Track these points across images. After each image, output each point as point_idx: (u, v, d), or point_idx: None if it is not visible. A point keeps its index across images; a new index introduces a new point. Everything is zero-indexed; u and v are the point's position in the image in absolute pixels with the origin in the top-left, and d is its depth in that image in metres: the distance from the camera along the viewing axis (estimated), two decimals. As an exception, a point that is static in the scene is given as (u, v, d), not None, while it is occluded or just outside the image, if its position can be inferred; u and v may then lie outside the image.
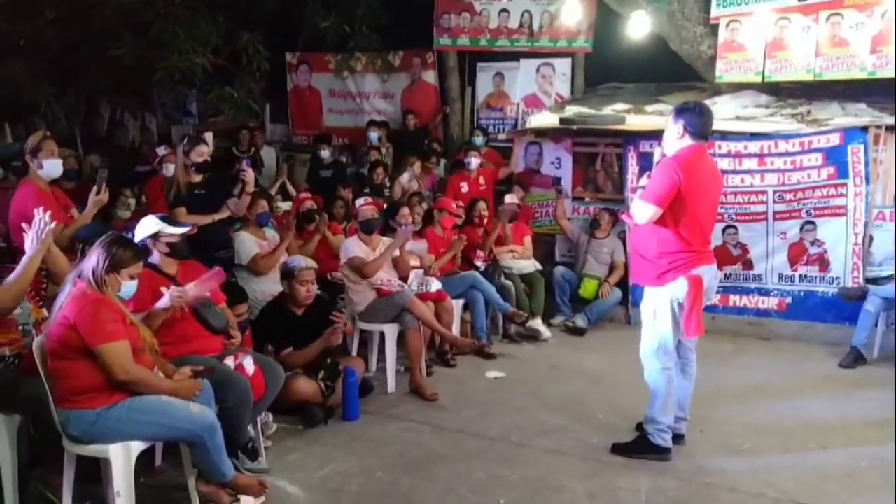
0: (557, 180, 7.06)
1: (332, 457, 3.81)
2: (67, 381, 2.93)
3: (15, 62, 6.76)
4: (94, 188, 4.11)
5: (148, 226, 3.67)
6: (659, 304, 3.68)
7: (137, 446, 3.00)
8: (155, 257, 3.63)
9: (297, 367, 4.24)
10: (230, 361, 3.52)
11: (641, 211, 3.62)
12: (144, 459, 3.29)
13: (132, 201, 6.51)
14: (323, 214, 5.64)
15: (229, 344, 3.74)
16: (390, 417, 4.37)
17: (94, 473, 3.20)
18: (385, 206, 5.91)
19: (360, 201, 5.24)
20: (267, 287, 4.82)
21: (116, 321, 2.95)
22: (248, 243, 4.95)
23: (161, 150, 6.31)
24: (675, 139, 3.65)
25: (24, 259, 3.09)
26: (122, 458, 2.94)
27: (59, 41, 6.97)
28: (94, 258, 3.02)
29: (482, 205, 6.46)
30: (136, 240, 3.58)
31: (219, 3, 7.44)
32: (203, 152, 4.64)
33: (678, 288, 3.60)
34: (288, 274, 4.38)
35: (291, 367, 4.17)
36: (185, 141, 4.73)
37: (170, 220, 3.82)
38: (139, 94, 9.06)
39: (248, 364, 3.57)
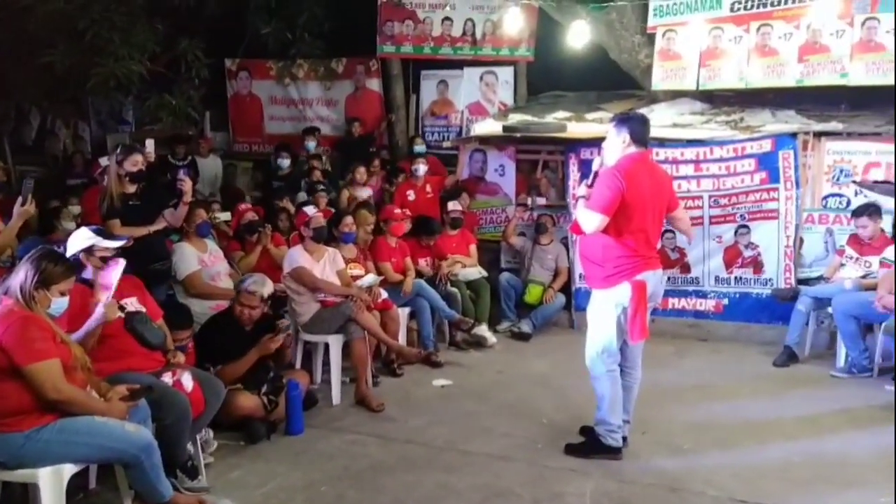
0: (532, 201, 6.91)
1: (276, 473, 3.74)
2: (-7, 404, 2.80)
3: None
4: (20, 199, 3.95)
5: (81, 239, 3.55)
6: (604, 308, 3.74)
7: (69, 469, 2.90)
8: (88, 272, 3.51)
9: (233, 378, 4.11)
10: (168, 378, 3.43)
11: (588, 220, 3.65)
12: (77, 481, 3.17)
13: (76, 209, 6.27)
14: (267, 227, 5.55)
15: (175, 362, 3.62)
16: (336, 430, 4.32)
17: (20, 499, 3.07)
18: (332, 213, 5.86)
19: (310, 210, 5.16)
20: (206, 302, 4.72)
21: (46, 339, 2.85)
22: (188, 256, 4.84)
23: (105, 161, 6.10)
24: (622, 148, 3.70)
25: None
26: (51, 482, 2.83)
27: (-13, 46, 6.71)
28: (22, 274, 2.91)
29: (434, 236, 6.37)
30: (69, 254, 3.46)
31: (158, 9, 7.27)
32: (137, 161, 4.49)
33: (622, 292, 3.66)
34: (239, 289, 4.28)
35: (227, 380, 4.04)
36: (119, 150, 4.58)
37: (104, 232, 3.71)
38: (72, 102, 8.77)
39: (187, 380, 3.48)
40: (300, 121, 9.33)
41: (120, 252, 3.63)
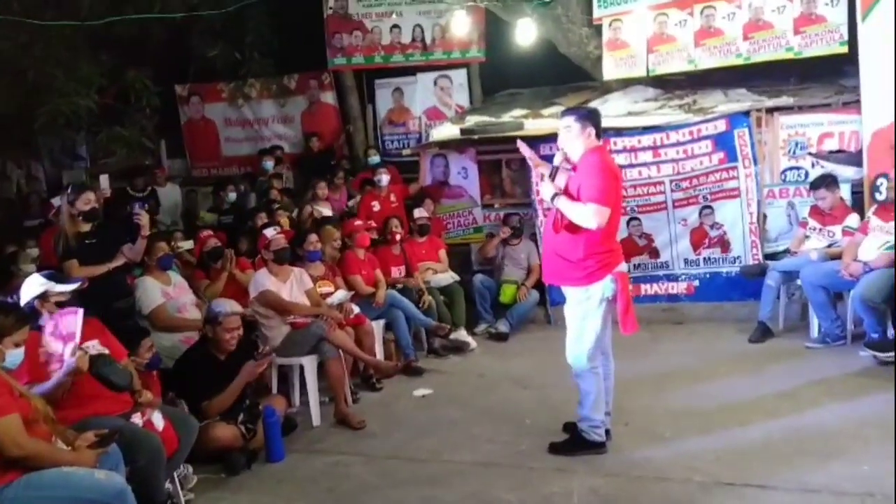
0: (516, 220, 6.78)
1: (259, 503, 3.67)
2: (-47, 465, 2.71)
3: None
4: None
5: (33, 286, 3.46)
6: (588, 304, 3.68)
7: (41, 525, 2.79)
8: (45, 319, 3.40)
9: (222, 412, 4.06)
10: (137, 419, 3.35)
11: (590, 215, 3.51)
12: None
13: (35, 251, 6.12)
14: (229, 251, 5.46)
15: (144, 402, 3.52)
16: (317, 453, 4.25)
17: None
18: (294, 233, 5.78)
19: (269, 232, 5.08)
20: (175, 335, 4.63)
21: (3, 394, 2.75)
22: (151, 290, 4.73)
23: (57, 202, 5.96)
24: (584, 141, 3.65)
25: None
26: (23, 540, 2.73)
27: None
28: (-28, 328, 2.81)
29: (395, 221, 6.39)
30: (23, 302, 3.37)
31: (101, 41, 7.13)
32: (90, 199, 4.41)
33: (607, 286, 3.63)
34: (212, 320, 4.18)
35: (215, 414, 4.02)
36: (70, 190, 4.49)
37: (57, 276, 3.61)
38: (22, 143, 8.58)
39: (157, 419, 3.40)
40: (257, 141, 9.26)
41: (78, 295, 3.54)
